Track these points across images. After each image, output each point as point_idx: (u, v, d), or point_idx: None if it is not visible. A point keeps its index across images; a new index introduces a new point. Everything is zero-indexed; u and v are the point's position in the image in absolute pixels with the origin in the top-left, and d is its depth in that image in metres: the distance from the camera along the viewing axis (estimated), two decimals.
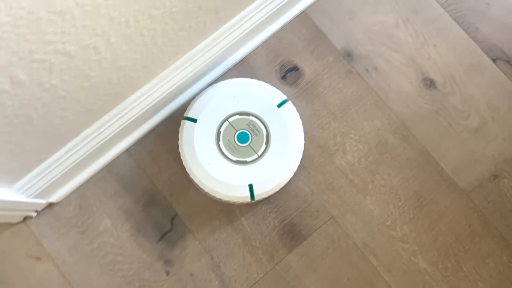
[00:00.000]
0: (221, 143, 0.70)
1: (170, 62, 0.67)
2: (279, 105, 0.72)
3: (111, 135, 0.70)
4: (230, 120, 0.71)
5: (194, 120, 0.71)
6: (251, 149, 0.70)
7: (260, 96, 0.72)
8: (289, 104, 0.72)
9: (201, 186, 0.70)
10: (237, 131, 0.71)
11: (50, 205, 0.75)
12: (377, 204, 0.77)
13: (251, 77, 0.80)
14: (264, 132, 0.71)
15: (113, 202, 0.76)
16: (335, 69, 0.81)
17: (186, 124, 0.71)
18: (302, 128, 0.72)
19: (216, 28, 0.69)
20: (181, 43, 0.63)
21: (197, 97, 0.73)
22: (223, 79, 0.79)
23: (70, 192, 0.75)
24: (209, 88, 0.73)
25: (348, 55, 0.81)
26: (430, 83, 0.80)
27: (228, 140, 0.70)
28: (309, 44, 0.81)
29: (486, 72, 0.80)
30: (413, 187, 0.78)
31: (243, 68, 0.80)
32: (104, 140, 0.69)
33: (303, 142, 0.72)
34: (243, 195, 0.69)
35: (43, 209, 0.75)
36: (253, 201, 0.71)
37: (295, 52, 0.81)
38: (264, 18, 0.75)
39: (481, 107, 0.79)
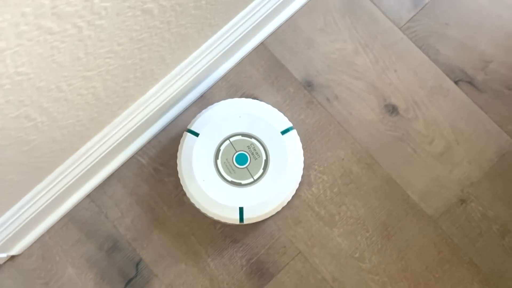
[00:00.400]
0: (219, 161, 0.70)
1: (121, 110, 0.65)
2: (283, 132, 0.71)
3: (67, 186, 0.68)
4: (231, 139, 0.71)
5: (196, 134, 0.71)
6: (248, 172, 0.70)
7: (266, 120, 0.71)
8: (294, 132, 0.72)
9: (192, 201, 0.70)
10: (236, 152, 0.70)
11: (12, 257, 0.74)
12: (345, 236, 0.76)
13: None
14: (264, 157, 0.70)
15: (76, 250, 0.75)
16: (296, 100, 0.80)
17: (187, 137, 0.71)
18: (302, 159, 0.72)
19: (167, 72, 0.67)
20: (129, 92, 0.62)
21: (203, 111, 0.73)
22: (187, 114, 0.78)
23: (31, 243, 0.74)
24: (215, 104, 0.73)
25: (308, 85, 0.80)
26: (392, 109, 0.79)
27: (227, 159, 0.70)
28: (269, 76, 0.80)
29: (449, 95, 0.80)
30: (380, 217, 0.77)
31: (203, 104, 0.79)
32: (60, 191, 0.68)
33: (301, 173, 0.72)
34: (233, 217, 0.69)
35: (4, 263, 0.74)
36: (242, 224, 0.70)
37: (255, 84, 0.80)
38: (219, 55, 0.74)
39: (445, 130, 0.79)
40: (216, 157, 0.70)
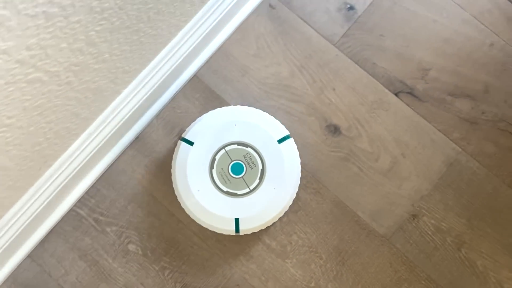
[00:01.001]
0: (214, 171, 0.69)
1: (42, 171, 0.62)
2: (280, 141, 0.70)
3: (3, 248, 0.65)
4: (227, 148, 0.69)
5: (191, 143, 0.69)
6: (244, 182, 0.68)
7: (262, 128, 0.70)
8: (290, 141, 0.70)
9: (187, 212, 0.68)
10: (232, 161, 0.69)
11: None
12: (298, 266, 0.74)
13: (150, 154, 0.76)
14: (260, 167, 0.69)
15: None
16: None
17: (182, 146, 0.69)
18: (299, 168, 0.70)
19: (87, 125, 0.65)
20: (44, 153, 0.59)
21: (197, 119, 0.71)
22: (124, 159, 0.76)
23: None
24: (210, 112, 0.71)
25: None
26: (334, 129, 0.77)
27: (222, 169, 0.69)
28: (205, 108, 0.78)
29: (390, 108, 0.78)
30: (332, 242, 0.75)
31: (140, 146, 0.76)
32: None
33: (298, 182, 0.70)
34: (228, 228, 0.68)
35: None
36: (238, 234, 0.69)
37: (193, 119, 0.77)
38: (147, 95, 0.71)
39: (390, 145, 0.77)
40: (211, 167, 0.69)
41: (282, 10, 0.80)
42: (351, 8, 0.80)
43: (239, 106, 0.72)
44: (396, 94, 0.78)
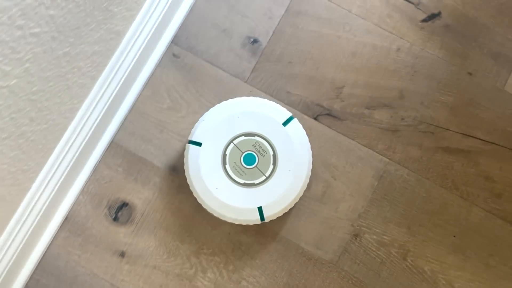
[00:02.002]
0: (227, 166, 0.69)
1: None
2: (285, 124, 0.70)
3: None
4: (235, 142, 0.70)
5: (199, 144, 0.70)
6: (259, 171, 0.69)
7: (265, 115, 0.71)
8: (295, 121, 0.71)
9: (210, 211, 0.69)
10: (243, 153, 0.70)
11: None
12: None
13: (82, 232, 0.75)
14: (271, 153, 0.70)
15: None
16: (165, 189, 0.76)
17: (191, 149, 0.70)
18: (309, 145, 0.71)
19: (10, 216, 0.62)
20: None
21: (200, 119, 0.71)
22: (57, 243, 0.74)
23: None
24: (211, 109, 0.72)
25: (173, 170, 0.77)
26: None
27: (235, 162, 0.69)
28: (130, 173, 0.76)
29: (312, 133, 0.78)
30: (282, 279, 0.75)
31: (71, 225, 0.75)
32: None
33: (311, 159, 0.71)
34: (253, 218, 0.69)
35: None
36: (264, 222, 0.70)
37: (119, 187, 0.76)
38: (65, 173, 0.69)
39: (319, 170, 0.77)
40: (224, 163, 0.69)
41: (187, 57, 0.79)
42: (255, 41, 0.80)
43: (237, 98, 0.72)
44: (315, 118, 0.78)
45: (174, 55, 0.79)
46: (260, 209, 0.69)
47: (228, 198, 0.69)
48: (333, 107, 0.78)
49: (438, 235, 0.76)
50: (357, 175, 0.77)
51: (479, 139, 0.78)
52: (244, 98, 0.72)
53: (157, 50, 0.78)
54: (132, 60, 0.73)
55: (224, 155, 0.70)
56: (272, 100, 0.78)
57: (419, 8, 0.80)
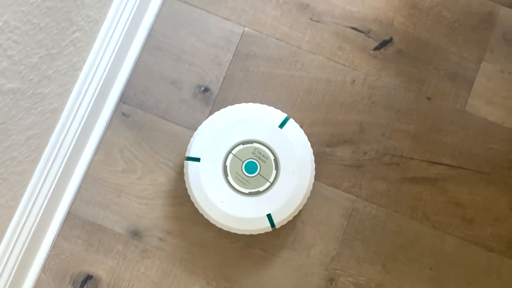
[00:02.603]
0: (229, 177, 0.68)
1: None
2: (281, 126, 0.70)
3: None
4: (234, 151, 0.69)
5: (198, 160, 0.68)
6: (262, 178, 0.68)
7: (260, 120, 0.70)
8: (291, 121, 0.70)
9: (218, 226, 0.69)
10: (243, 162, 0.69)
11: None
12: None
13: None
14: (272, 157, 0.69)
15: None
16: (129, 256, 0.73)
17: (189, 165, 0.69)
18: (309, 144, 0.70)
19: None
20: None
21: (194, 134, 0.70)
22: None
23: None
24: (204, 122, 0.71)
25: (135, 234, 0.74)
26: None
27: (237, 173, 0.68)
28: (91, 244, 0.73)
29: None
30: None
31: None
32: None
33: (313, 158, 0.70)
34: (263, 227, 0.68)
35: None
36: (275, 228, 0.69)
37: (81, 260, 0.73)
38: (22, 252, 0.66)
39: None
40: (226, 174, 0.68)
41: (137, 114, 0.76)
42: (206, 89, 0.77)
43: (229, 107, 0.71)
44: None
45: (123, 114, 0.76)
46: (269, 216, 0.68)
47: (235, 210, 0.67)
48: None
49: (414, 270, 0.74)
50: (326, 217, 0.75)
51: (445, 164, 0.76)
52: (236, 106, 0.71)
53: (105, 112, 0.75)
54: (77, 129, 0.69)
55: (225, 167, 0.68)
56: None
57: (369, 36, 0.78)
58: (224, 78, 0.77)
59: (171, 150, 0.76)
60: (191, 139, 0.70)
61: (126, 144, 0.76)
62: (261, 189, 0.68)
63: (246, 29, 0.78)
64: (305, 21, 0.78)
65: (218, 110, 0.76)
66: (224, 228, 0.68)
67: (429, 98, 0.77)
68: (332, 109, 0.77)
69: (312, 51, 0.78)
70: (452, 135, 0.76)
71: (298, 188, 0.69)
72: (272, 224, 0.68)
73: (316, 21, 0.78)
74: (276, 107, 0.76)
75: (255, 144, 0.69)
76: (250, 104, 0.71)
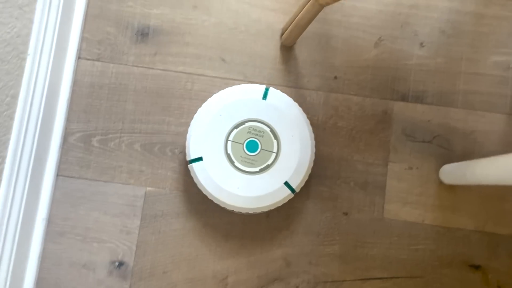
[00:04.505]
0: (236, 163, 0.69)
1: None
2: (264, 97, 0.71)
3: None
4: (231, 138, 0.70)
5: (200, 159, 0.69)
6: (266, 151, 0.70)
7: (242, 100, 0.71)
8: (272, 90, 0.71)
9: (244, 212, 0.70)
10: (243, 144, 0.70)
11: None
12: None
13: None
14: (267, 129, 0.70)
15: None
16: None
17: (195, 167, 0.70)
18: (296, 104, 0.71)
19: None
20: None
21: (187, 137, 0.71)
22: None
23: None
24: (192, 122, 0.72)
25: None
26: None
27: (241, 156, 0.69)
28: None
29: None
30: None
31: None
32: None
33: (304, 115, 0.71)
34: (285, 195, 0.69)
35: None
36: (296, 193, 0.71)
37: None
38: None
39: None
40: (232, 162, 0.69)
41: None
42: (121, 264, 0.74)
43: (208, 100, 0.72)
44: None
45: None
46: (286, 183, 0.69)
47: (254, 191, 0.69)
48: None
49: None
50: None
51: (378, 278, 0.74)
52: (215, 95, 0.72)
53: None
54: None
55: (228, 155, 0.69)
56: None
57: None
58: (136, 246, 0.74)
59: None
60: (186, 143, 0.71)
61: None
62: (269, 162, 0.70)
63: (148, 189, 0.76)
64: None
65: (138, 282, 0.73)
66: (250, 212, 0.69)
67: (346, 214, 0.76)
68: (253, 250, 0.75)
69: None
70: (378, 246, 0.75)
71: (303, 146, 0.70)
72: (292, 190, 0.69)
73: None
74: (196, 265, 0.74)
75: (247, 124, 0.70)
76: (227, 89, 0.72)
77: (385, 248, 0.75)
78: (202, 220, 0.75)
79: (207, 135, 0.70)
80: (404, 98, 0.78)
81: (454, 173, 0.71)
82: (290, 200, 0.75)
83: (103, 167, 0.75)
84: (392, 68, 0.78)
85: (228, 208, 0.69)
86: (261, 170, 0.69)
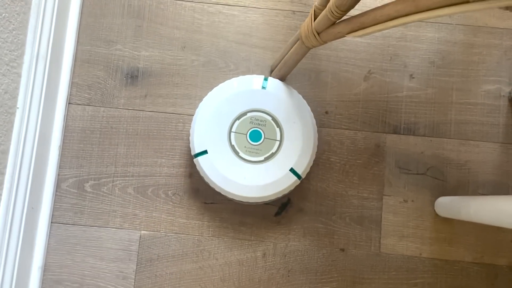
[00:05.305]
0: (241, 154, 0.70)
1: None
2: (264, 87, 0.71)
3: None
4: (233, 129, 0.70)
5: (205, 152, 0.70)
6: (270, 140, 0.70)
7: (242, 91, 0.71)
8: (270, 79, 0.72)
9: (253, 201, 0.70)
10: (247, 134, 0.70)
11: None
12: None
13: None
14: (269, 118, 0.71)
15: None
16: None
17: (201, 160, 0.70)
18: (295, 91, 0.72)
19: None
20: None
21: (190, 132, 0.72)
22: None
23: None
24: (194, 117, 0.72)
25: None
26: None
27: (245, 146, 0.70)
28: None
29: None
30: None
31: None
32: None
33: (304, 101, 0.72)
34: (291, 182, 0.70)
35: None
36: (303, 179, 0.71)
37: None
38: None
39: None
40: (236, 152, 0.70)
41: None
42: None
43: (208, 93, 0.72)
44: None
45: None
46: (292, 170, 0.69)
47: (260, 180, 0.69)
48: None
49: None
50: None
51: None
52: (214, 89, 0.72)
53: None
54: None
55: (232, 146, 0.70)
56: None
57: (267, 203, 0.76)
58: None
59: None
60: (190, 138, 0.72)
61: None
62: (274, 150, 0.70)
63: (143, 232, 0.75)
64: (199, 206, 0.76)
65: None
66: (259, 201, 0.70)
67: (342, 250, 0.75)
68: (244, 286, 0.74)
69: (215, 235, 0.76)
70: (376, 281, 0.75)
71: (305, 132, 0.70)
72: (298, 176, 0.70)
73: (211, 203, 0.76)
74: None
75: (249, 114, 0.71)
76: (227, 81, 0.72)
77: (383, 283, 0.75)
78: (198, 263, 0.75)
79: (210, 128, 0.70)
80: (396, 130, 0.78)
81: (449, 208, 0.71)
82: (286, 238, 0.75)
83: (97, 212, 0.75)
84: (383, 100, 0.78)
85: (236, 199, 0.70)
86: (266, 159, 0.70)
